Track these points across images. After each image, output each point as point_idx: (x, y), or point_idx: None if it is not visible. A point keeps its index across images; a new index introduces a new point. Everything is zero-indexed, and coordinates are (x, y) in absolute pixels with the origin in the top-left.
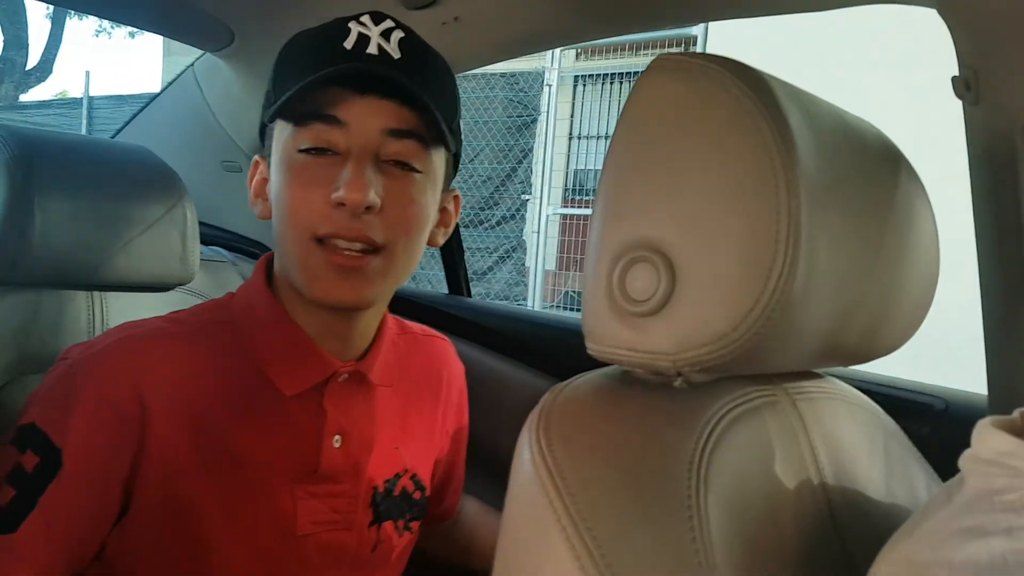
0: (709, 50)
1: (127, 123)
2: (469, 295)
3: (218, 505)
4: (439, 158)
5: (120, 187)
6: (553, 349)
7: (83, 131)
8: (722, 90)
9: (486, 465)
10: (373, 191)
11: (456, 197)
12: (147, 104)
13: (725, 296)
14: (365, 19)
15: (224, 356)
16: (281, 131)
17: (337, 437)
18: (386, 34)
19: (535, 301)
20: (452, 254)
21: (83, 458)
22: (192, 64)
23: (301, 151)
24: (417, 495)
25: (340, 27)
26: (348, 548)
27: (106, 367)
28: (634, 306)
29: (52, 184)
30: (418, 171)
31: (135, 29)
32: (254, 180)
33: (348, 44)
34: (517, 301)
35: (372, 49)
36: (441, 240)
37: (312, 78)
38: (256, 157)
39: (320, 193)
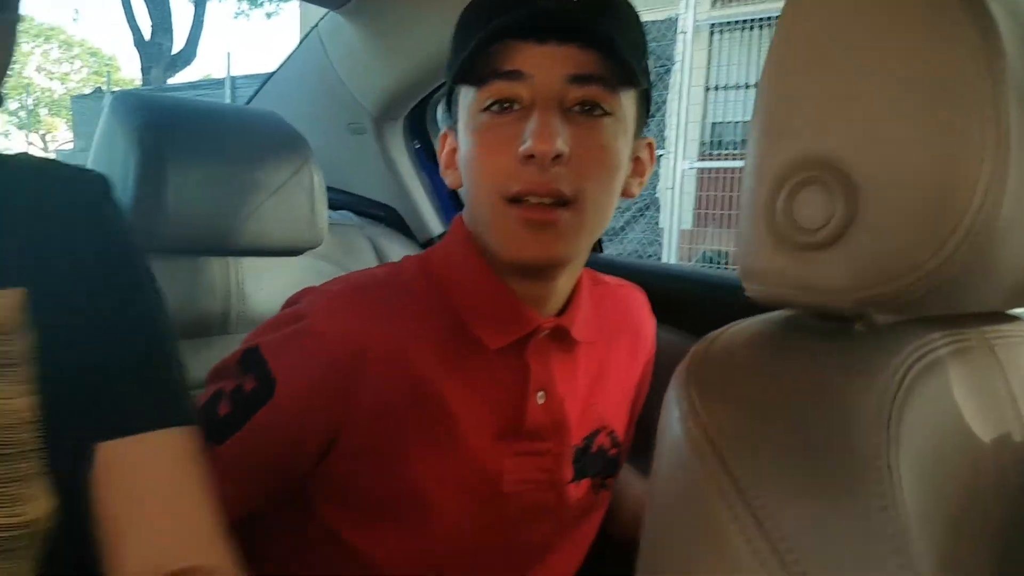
0: None
1: (258, 89)
2: (601, 251)
3: (428, 456)
4: (628, 100)
5: (248, 152)
6: (698, 306)
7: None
8: None
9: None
10: (561, 139)
11: (650, 144)
12: (277, 69)
13: (918, 218)
14: None
15: (432, 309)
16: (464, 96)
17: (541, 393)
18: None
19: (671, 260)
20: None
21: (294, 395)
22: (316, 24)
23: (484, 110)
24: (613, 452)
25: None
26: (550, 506)
27: (332, 313)
28: (804, 236)
29: (183, 150)
30: (607, 113)
31: (272, 10)
32: (443, 152)
33: None
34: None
35: None
36: (636, 191)
37: (483, 34)
38: (444, 129)
39: (508, 151)
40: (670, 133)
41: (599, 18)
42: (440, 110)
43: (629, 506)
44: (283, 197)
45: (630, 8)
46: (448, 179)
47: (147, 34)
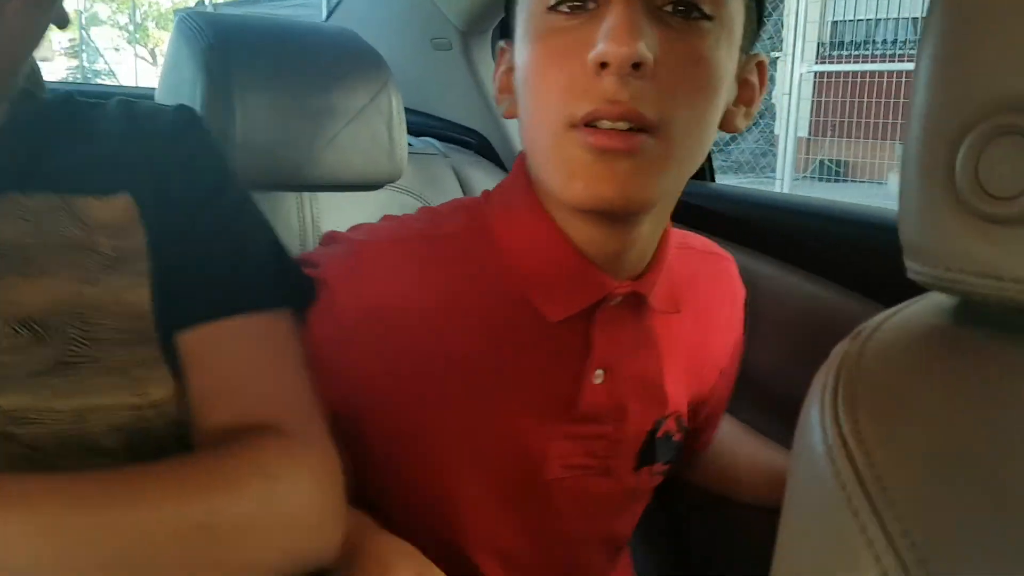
0: None
1: (336, 6)
2: (712, 176)
3: (460, 436)
4: (736, 4)
5: (322, 75)
6: (843, 250)
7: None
8: None
9: (750, 393)
10: (644, 42)
11: (761, 64)
12: None
13: None
14: None
15: (481, 271)
16: None
17: (599, 372)
18: None
19: (786, 172)
20: None
21: (317, 334)
22: None
23: (551, 9)
24: (677, 437)
25: None
26: (601, 495)
27: (350, 270)
28: (994, 206)
29: (252, 77)
30: (708, 17)
31: None
32: (499, 73)
33: None
34: (764, 173)
35: None
36: (742, 125)
37: None
38: (502, 43)
39: (576, 61)
40: (787, 34)
41: None
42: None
43: (744, 465)
44: (360, 126)
45: None
46: (503, 107)
47: None
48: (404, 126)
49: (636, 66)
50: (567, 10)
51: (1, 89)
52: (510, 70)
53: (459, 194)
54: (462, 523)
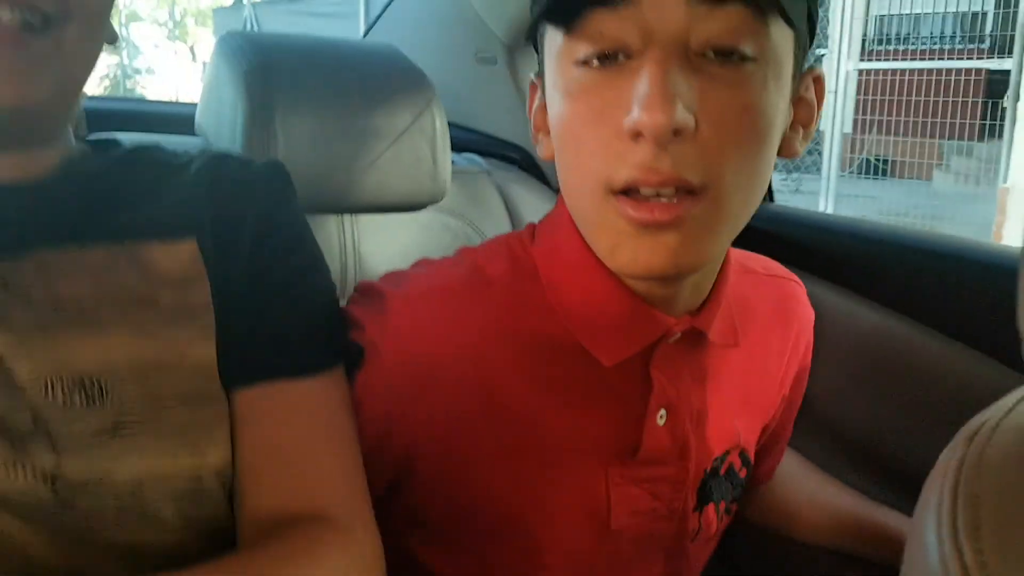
0: None
1: (377, 18)
2: (771, 198)
3: (515, 490)
4: (781, 35)
5: (364, 96)
6: (930, 284)
7: (361, 17)
8: None
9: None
10: (681, 104)
11: (818, 79)
12: None
13: None
14: None
15: (528, 317)
16: (552, 40)
17: (662, 412)
18: None
19: (832, 170)
20: None
21: (366, 406)
22: None
23: (580, 63)
24: (743, 472)
25: None
26: (665, 538)
27: (396, 329)
28: None
29: (293, 98)
30: (751, 59)
31: None
32: (533, 109)
33: None
34: (808, 171)
35: None
36: (800, 148)
37: None
38: (533, 78)
39: (610, 124)
40: (833, 31)
41: None
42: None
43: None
44: (403, 146)
45: None
46: (540, 148)
47: None
48: (448, 146)
49: (676, 132)
50: (596, 64)
51: (61, 115)
52: (543, 108)
53: (503, 214)
54: (540, 566)
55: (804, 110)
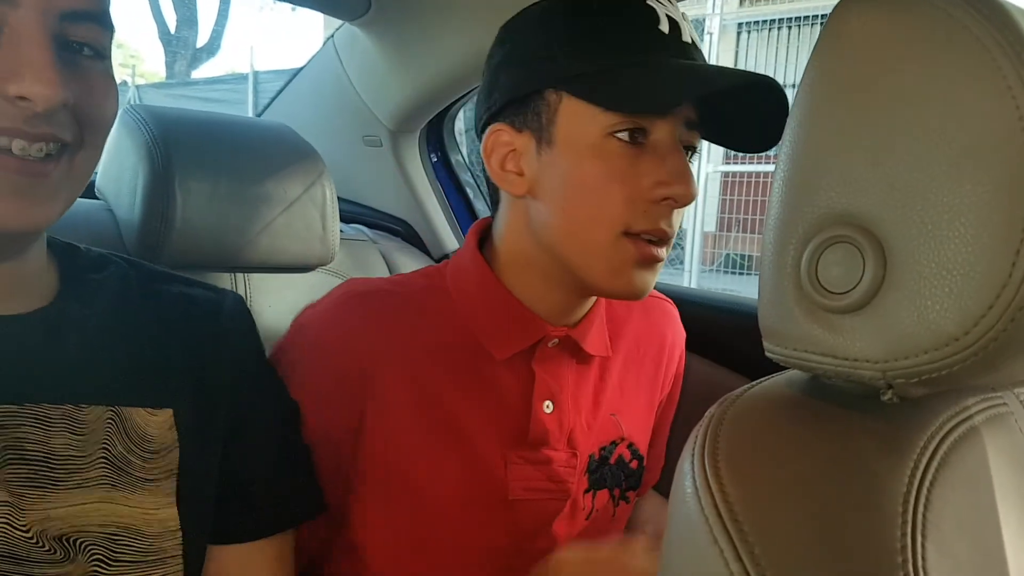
0: None
1: (272, 100)
2: None
3: (437, 467)
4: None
5: (259, 166)
6: (730, 338)
7: (249, 104)
8: (948, 19)
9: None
10: (695, 179)
11: None
12: (290, 79)
13: (956, 287)
14: None
15: (439, 320)
16: (576, 112)
17: (548, 403)
18: (681, 15)
19: (693, 264)
20: None
21: (314, 412)
22: (331, 36)
23: (612, 135)
24: (634, 464)
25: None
26: (563, 516)
27: (328, 324)
28: (830, 299)
29: (191, 165)
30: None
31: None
32: (498, 155)
33: (663, 28)
34: (673, 265)
35: (686, 37)
36: None
37: (661, 74)
38: (497, 125)
39: (635, 183)
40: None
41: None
42: (474, 108)
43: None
44: (295, 213)
45: None
46: (508, 184)
47: (172, 27)
48: (336, 215)
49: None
50: (628, 139)
51: (89, 161)
52: (514, 151)
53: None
54: (449, 546)
55: None
